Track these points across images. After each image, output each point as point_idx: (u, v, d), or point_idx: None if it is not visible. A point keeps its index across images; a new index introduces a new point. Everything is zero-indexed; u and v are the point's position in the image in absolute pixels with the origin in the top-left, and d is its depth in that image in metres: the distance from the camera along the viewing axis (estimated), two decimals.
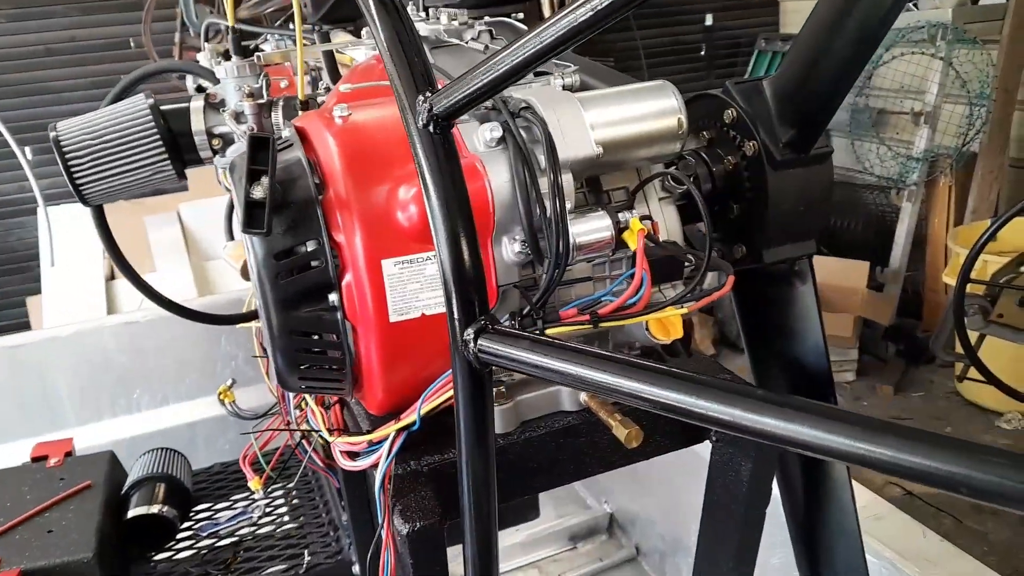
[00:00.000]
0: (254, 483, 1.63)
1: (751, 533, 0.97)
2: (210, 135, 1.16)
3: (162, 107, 1.16)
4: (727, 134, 0.95)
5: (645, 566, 2.25)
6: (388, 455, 0.80)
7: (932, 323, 4.43)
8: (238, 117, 1.12)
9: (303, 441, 1.60)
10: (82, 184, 1.11)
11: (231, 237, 2.02)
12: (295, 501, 1.70)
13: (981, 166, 4.31)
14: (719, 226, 0.97)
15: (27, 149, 5.01)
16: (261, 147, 0.71)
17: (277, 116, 1.13)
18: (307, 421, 1.11)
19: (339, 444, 0.92)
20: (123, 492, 1.60)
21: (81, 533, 1.44)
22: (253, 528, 1.63)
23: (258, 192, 0.71)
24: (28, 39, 5.06)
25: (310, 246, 0.77)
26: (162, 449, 1.74)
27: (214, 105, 1.17)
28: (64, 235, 5.23)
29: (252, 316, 1.60)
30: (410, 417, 0.80)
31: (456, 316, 0.63)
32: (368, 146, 0.79)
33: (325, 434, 0.96)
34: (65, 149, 1.08)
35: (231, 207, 1.98)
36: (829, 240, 4.78)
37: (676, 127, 0.81)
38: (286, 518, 1.65)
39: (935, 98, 4.27)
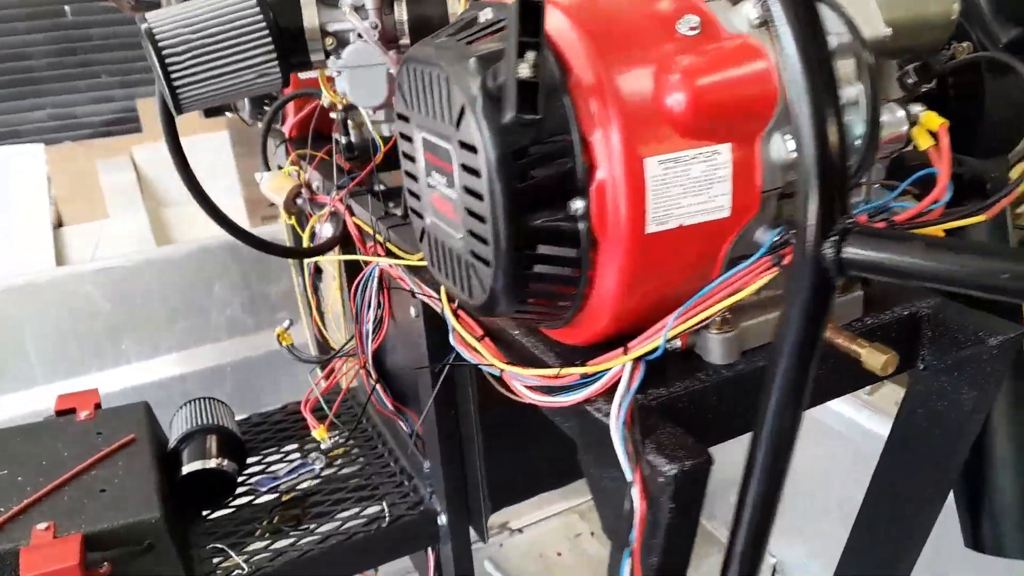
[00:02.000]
0: (319, 432, 1.51)
1: (949, 468, 0.91)
2: (323, 32, 1.00)
3: None
4: None
5: None
6: (629, 388, 0.70)
7: None
8: (358, 11, 0.97)
9: (376, 385, 1.48)
10: (179, 86, 0.94)
11: (267, 167, 1.84)
12: (355, 451, 1.58)
13: None
14: None
15: None
16: (531, 16, 0.58)
17: (401, 12, 0.98)
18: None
19: (526, 377, 0.81)
20: (172, 446, 1.45)
21: (139, 491, 1.29)
22: (317, 480, 1.50)
23: (525, 71, 0.58)
24: None
25: (554, 143, 0.65)
26: (204, 399, 1.59)
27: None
28: (10, 177, 4.82)
29: (327, 249, 1.46)
30: (654, 342, 0.70)
31: (814, 215, 0.52)
32: (617, 21, 0.67)
33: (498, 364, 0.84)
34: (161, 44, 0.91)
35: (266, 134, 1.81)
36: None
37: (950, 13, 0.71)
38: (351, 468, 1.52)
39: None
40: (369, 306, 1.35)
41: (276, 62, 0.98)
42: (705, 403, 0.76)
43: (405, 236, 1.27)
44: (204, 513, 1.44)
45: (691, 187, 0.66)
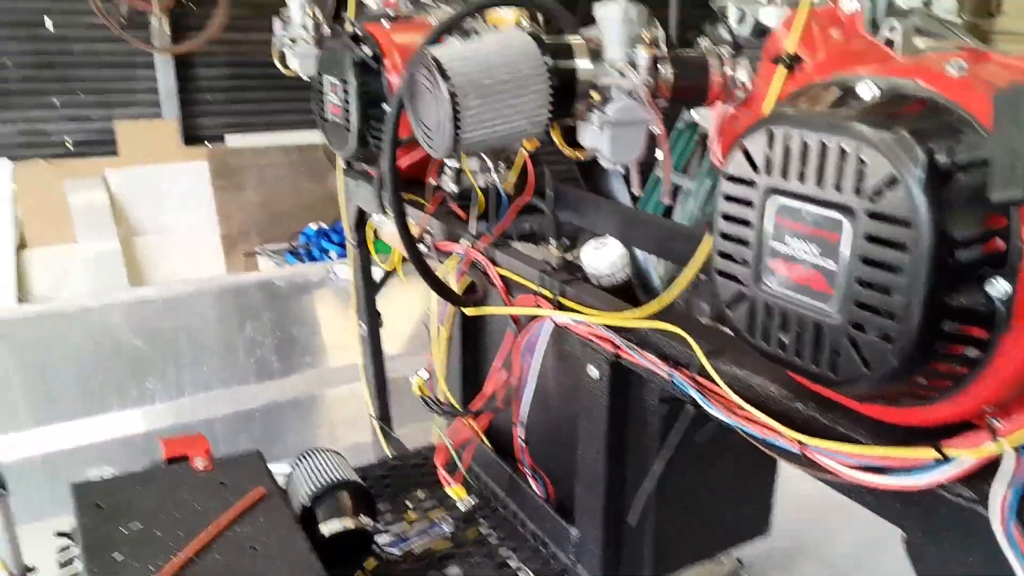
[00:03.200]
0: (456, 491, 1.44)
1: None
2: (591, 85, 0.99)
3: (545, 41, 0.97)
4: None
5: None
6: (1016, 476, 0.70)
7: None
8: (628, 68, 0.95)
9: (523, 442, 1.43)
10: (463, 126, 0.91)
11: (385, 211, 1.78)
12: (479, 512, 1.51)
13: None
14: None
15: None
16: None
17: (667, 72, 0.97)
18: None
19: (849, 455, 0.79)
20: (305, 503, 1.36)
21: (292, 550, 1.20)
22: (446, 541, 1.43)
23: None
24: None
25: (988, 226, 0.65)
26: (320, 451, 1.50)
27: (594, 51, 0.99)
28: None
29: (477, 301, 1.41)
30: None
31: None
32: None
33: (806, 440, 0.83)
34: (453, 80, 0.87)
35: (389, 176, 1.75)
36: None
37: None
38: (482, 529, 1.46)
39: None
40: (532, 364, 1.31)
41: (549, 110, 0.96)
42: None
43: (583, 291, 1.25)
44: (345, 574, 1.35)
45: None
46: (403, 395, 1.95)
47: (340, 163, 2.29)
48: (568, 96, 0.97)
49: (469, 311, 1.42)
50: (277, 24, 2.06)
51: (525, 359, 1.30)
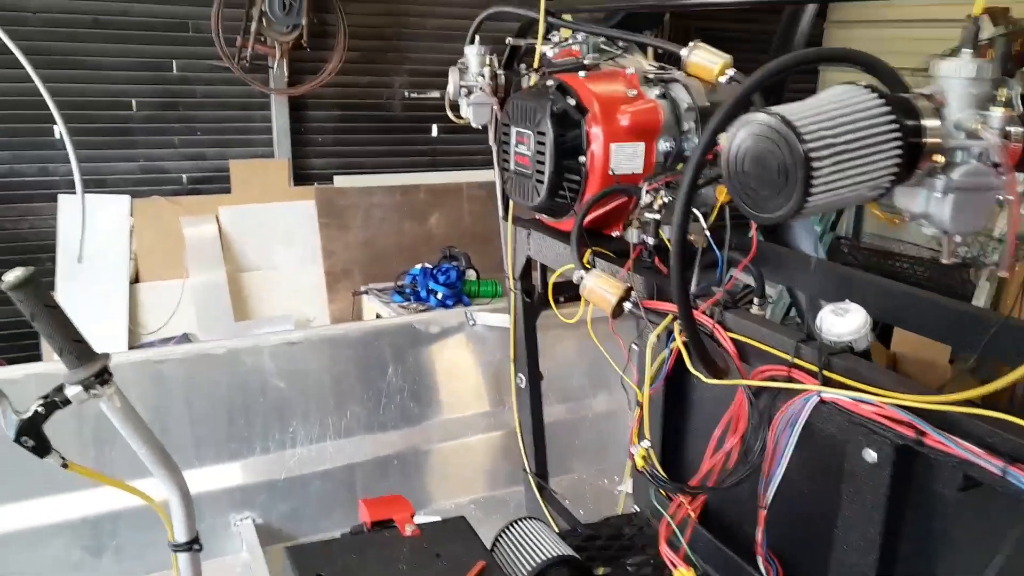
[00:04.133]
0: (683, 574, 1.34)
1: None
2: (936, 147, 0.90)
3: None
4: None
5: None
6: None
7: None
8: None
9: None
10: (814, 190, 0.83)
11: (584, 266, 1.72)
12: None
13: None
14: None
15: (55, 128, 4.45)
16: None
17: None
18: None
19: None
20: None
21: None
22: None
23: None
24: (74, 6, 4.52)
25: None
26: (530, 519, 1.42)
27: (935, 109, 0.91)
28: (90, 227, 4.64)
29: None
30: None
31: None
32: None
33: None
34: (810, 144, 0.81)
35: (580, 229, 1.68)
36: None
37: None
38: None
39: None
40: (789, 443, 1.20)
41: (893, 173, 0.88)
42: None
43: (857, 364, 1.16)
44: None
45: None
46: None
47: (500, 210, 2.24)
48: (913, 158, 0.89)
49: (712, 381, 1.32)
50: (453, 73, 2.05)
51: (782, 437, 1.20)
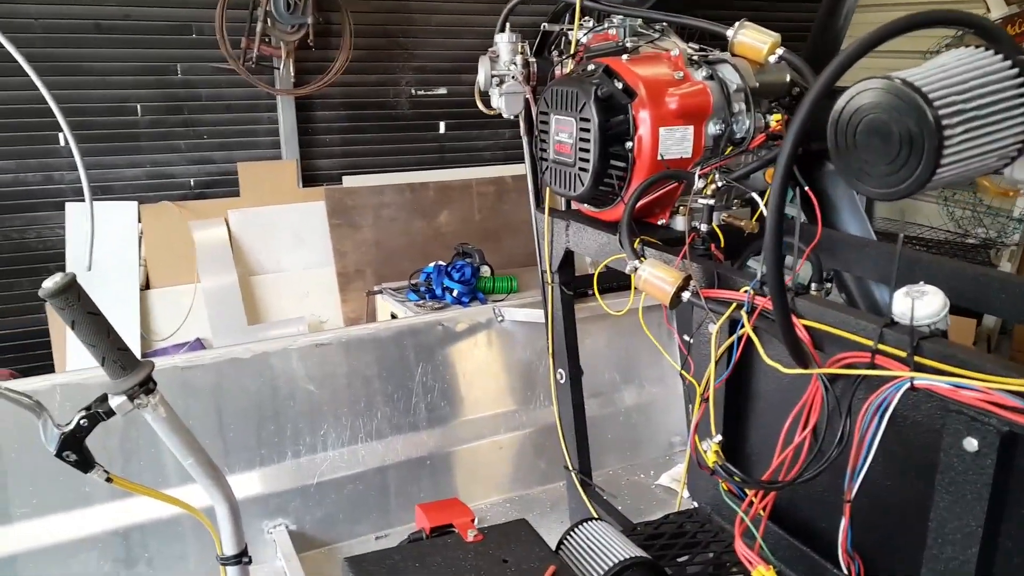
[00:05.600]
0: (761, 573, 1.28)
1: None
2: None
3: None
4: None
5: None
6: None
7: None
8: None
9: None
10: (945, 159, 0.77)
11: (636, 255, 1.66)
12: None
13: None
14: None
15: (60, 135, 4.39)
16: None
17: None
18: None
19: None
20: None
21: None
22: None
23: None
24: (75, 11, 4.45)
25: None
26: (595, 520, 1.36)
27: None
28: (98, 235, 4.57)
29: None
30: None
31: None
32: None
33: None
34: (939, 109, 0.75)
35: (630, 217, 1.63)
36: None
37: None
38: None
39: None
40: (876, 433, 1.15)
41: (1022, 142, 0.82)
42: None
43: (953, 348, 1.10)
44: None
45: None
46: None
47: (532, 202, 2.18)
48: None
49: (792, 371, 1.26)
50: (483, 63, 1.99)
51: (869, 427, 1.14)
